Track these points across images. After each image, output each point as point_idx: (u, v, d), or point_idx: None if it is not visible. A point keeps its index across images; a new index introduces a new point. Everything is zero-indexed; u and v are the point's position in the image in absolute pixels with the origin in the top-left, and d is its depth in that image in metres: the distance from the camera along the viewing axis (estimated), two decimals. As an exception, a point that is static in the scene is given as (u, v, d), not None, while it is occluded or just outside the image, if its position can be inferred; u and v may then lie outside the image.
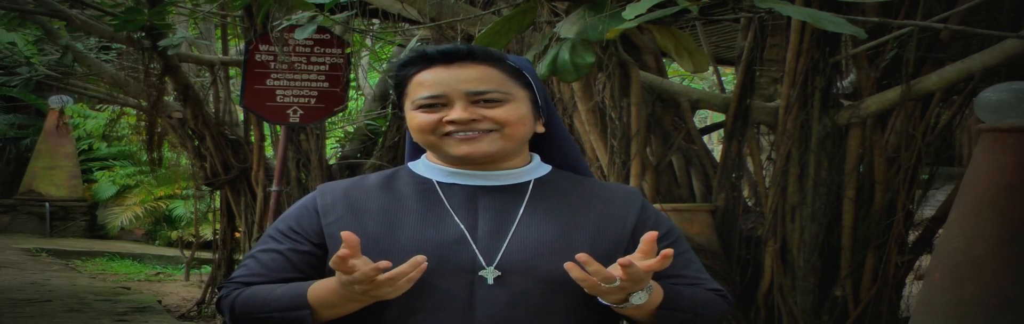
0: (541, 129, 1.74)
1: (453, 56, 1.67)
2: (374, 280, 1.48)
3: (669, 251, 1.51)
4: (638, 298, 1.55)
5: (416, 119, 1.67)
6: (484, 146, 1.65)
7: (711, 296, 1.71)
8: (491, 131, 1.65)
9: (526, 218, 1.67)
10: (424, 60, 1.68)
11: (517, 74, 1.71)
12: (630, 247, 1.68)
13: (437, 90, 1.65)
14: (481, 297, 1.60)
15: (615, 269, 1.50)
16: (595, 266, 1.49)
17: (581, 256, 1.49)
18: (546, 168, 1.77)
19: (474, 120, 1.64)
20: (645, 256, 1.52)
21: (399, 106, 1.74)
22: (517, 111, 1.66)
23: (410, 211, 1.67)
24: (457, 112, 1.63)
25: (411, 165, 1.78)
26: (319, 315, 1.59)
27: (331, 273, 1.61)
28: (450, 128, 1.65)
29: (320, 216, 1.69)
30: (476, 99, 1.65)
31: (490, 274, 1.61)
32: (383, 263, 1.47)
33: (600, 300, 1.59)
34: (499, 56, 1.71)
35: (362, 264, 1.49)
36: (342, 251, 1.46)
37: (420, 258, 1.49)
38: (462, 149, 1.65)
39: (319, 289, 1.59)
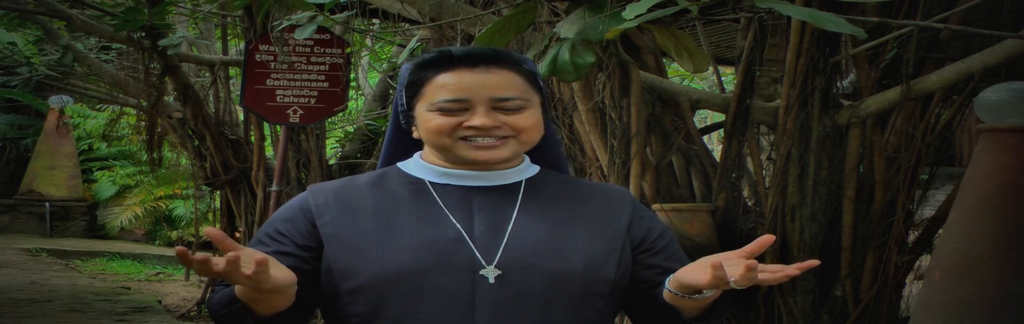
0: (544, 131, 1.74)
1: (478, 59, 1.66)
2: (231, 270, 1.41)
3: (815, 262, 1.48)
4: (710, 291, 1.54)
5: (433, 121, 1.65)
6: (501, 153, 1.65)
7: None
8: (508, 137, 1.65)
9: (521, 217, 1.67)
10: (447, 62, 1.67)
11: (533, 78, 1.71)
12: (624, 245, 1.69)
13: (461, 94, 1.64)
14: (482, 296, 1.60)
15: (734, 268, 1.46)
16: (722, 270, 1.44)
17: (715, 261, 1.46)
18: (535, 168, 1.77)
19: (496, 126, 1.64)
20: (748, 256, 1.49)
21: (408, 104, 1.71)
22: (534, 118, 1.67)
23: (405, 210, 1.66)
24: (479, 118, 1.63)
25: (401, 165, 1.77)
26: (254, 308, 1.56)
27: (317, 273, 1.64)
28: (469, 133, 1.64)
29: (314, 217, 1.67)
30: (498, 105, 1.64)
31: (491, 273, 1.61)
32: (202, 255, 1.41)
33: (668, 288, 1.58)
34: (520, 60, 1.71)
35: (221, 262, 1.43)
36: (217, 265, 1.40)
37: (263, 258, 1.42)
38: (479, 155, 1.65)
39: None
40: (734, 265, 1.46)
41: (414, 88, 1.70)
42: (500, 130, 1.64)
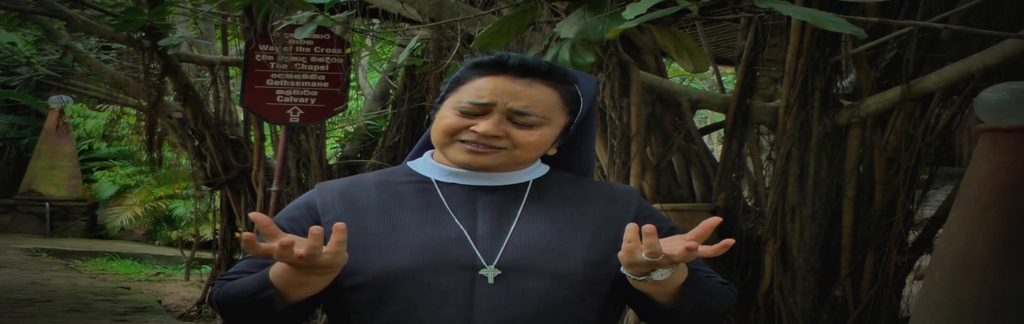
0: (553, 152, 1.75)
1: (528, 71, 1.68)
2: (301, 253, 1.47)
3: (731, 241, 1.50)
4: (660, 274, 1.54)
5: (446, 119, 1.68)
6: (486, 160, 1.67)
7: (724, 287, 1.73)
8: (502, 149, 1.66)
9: (525, 218, 1.68)
10: (499, 67, 1.68)
11: (573, 101, 1.72)
12: None
13: (488, 98, 1.65)
14: (481, 296, 1.60)
15: (672, 247, 1.50)
16: (654, 239, 1.48)
17: (648, 228, 1.47)
18: (544, 169, 1.78)
19: (496, 136, 1.65)
20: (694, 239, 1.51)
21: (443, 97, 1.73)
22: (541, 137, 1.68)
23: (409, 210, 1.68)
24: (485, 125, 1.64)
25: (411, 164, 1.78)
26: (286, 294, 1.59)
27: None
28: (469, 137, 1.66)
29: (319, 215, 1.70)
30: (513, 117, 1.66)
31: (490, 273, 1.62)
32: (289, 238, 1.47)
33: (622, 270, 1.58)
34: (571, 79, 1.73)
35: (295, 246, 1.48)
36: (283, 243, 1.46)
37: (341, 225, 1.49)
38: (465, 158, 1.67)
39: (278, 268, 1.59)
40: (675, 244, 1.50)
41: (455, 84, 1.72)
42: (499, 140, 1.66)
